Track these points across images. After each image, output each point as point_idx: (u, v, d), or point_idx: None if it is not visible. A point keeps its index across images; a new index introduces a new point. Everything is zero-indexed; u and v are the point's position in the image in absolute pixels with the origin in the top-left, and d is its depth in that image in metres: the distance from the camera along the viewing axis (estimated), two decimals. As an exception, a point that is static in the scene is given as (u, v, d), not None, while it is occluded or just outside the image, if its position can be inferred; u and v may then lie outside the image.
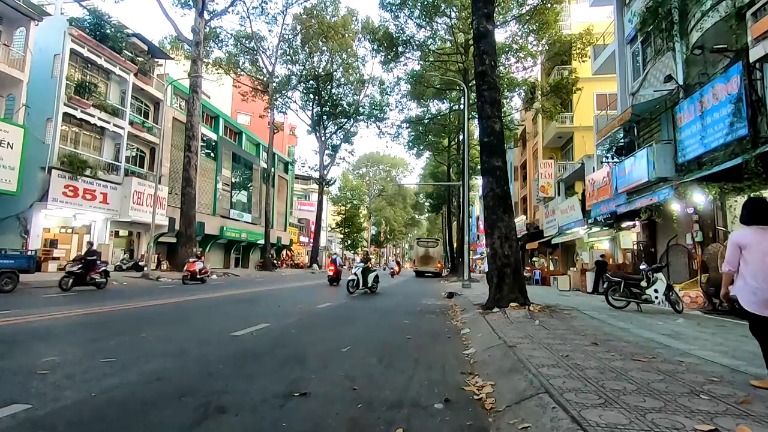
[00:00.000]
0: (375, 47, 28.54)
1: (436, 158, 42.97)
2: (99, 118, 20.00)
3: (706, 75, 10.86)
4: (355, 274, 13.46)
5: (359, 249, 67.64)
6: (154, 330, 5.96)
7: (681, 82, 11.54)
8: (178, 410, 2.90)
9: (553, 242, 23.17)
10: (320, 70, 35.54)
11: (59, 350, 4.48)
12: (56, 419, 2.69)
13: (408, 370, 4.18)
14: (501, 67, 23.91)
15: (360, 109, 37.22)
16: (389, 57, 27.80)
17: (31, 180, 17.01)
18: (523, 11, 23.68)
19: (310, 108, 37.04)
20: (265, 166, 34.81)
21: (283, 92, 33.70)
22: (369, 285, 13.68)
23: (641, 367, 3.79)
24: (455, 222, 42.06)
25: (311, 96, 36.68)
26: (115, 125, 20.97)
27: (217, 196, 30.99)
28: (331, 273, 17.23)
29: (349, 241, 60.94)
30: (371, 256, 15.14)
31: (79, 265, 11.66)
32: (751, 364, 4.11)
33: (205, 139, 28.90)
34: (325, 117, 36.86)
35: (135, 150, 23.89)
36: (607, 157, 15.90)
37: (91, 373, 3.70)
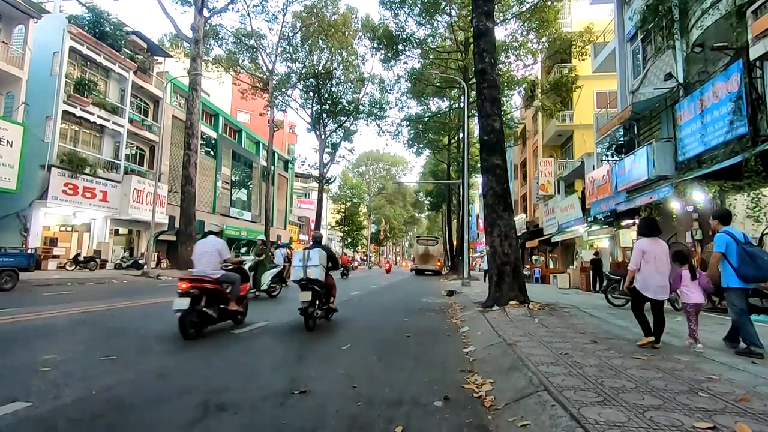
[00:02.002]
0: (375, 45, 28.48)
1: (435, 156, 42.92)
2: (98, 116, 19.97)
3: (707, 73, 10.84)
4: None
5: (358, 246, 67.62)
6: (154, 328, 5.97)
7: (681, 80, 11.52)
8: (177, 408, 2.91)
9: (552, 240, 23.18)
10: (320, 68, 35.42)
11: (59, 348, 4.49)
12: (57, 417, 2.70)
13: (408, 368, 4.19)
14: (501, 65, 23.86)
15: (360, 107, 37.11)
16: (389, 55, 27.73)
17: (31, 178, 17.00)
18: (523, 9, 23.61)
19: (310, 106, 36.95)
20: (265, 164, 34.74)
21: (283, 90, 33.56)
22: (264, 287, 10.28)
23: (640, 365, 3.80)
24: (455, 220, 42.01)
25: (311, 94, 36.58)
26: (114, 123, 20.94)
27: (217, 195, 30.97)
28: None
29: (349, 240, 60.96)
30: (266, 248, 11.90)
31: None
32: (748, 360, 4.13)
33: (204, 137, 28.86)
34: (324, 115, 36.77)
35: (135, 148, 23.86)
36: (607, 156, 15.90)
37: (91, 371, 3.71)
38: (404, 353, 4.92)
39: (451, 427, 2.75)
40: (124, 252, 23.08)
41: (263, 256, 11.22)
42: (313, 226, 42.66)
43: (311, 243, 7.07)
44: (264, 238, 13.59)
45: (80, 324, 6.30)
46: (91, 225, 20.89)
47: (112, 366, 3.89)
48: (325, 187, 40.19)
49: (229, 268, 6.16)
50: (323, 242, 7.07)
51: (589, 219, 17.44)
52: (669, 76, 11.62)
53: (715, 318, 7.92)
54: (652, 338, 4.75)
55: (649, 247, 4.79)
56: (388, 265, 41.02)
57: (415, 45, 27.33)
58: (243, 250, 30.49)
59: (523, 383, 3.28)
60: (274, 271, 10.88)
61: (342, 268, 11.78)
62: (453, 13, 25.90)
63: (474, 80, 12.29)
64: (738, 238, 4.59)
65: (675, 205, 11.38)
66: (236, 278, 6.06)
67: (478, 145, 13.51)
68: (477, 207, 47.18)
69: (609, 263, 15.80)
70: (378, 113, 36.38)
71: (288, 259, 12.38)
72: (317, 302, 6.26)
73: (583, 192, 18.63)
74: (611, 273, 10.51)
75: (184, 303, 5.25)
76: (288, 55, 34.85)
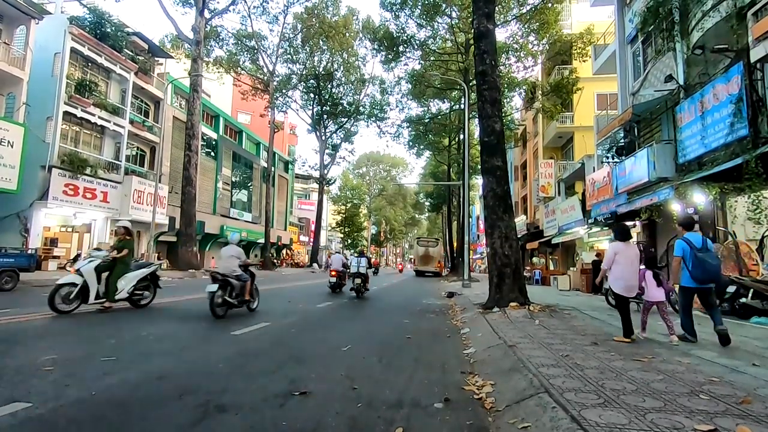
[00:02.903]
0: (375, 47, 28.49)
1: (436, 158, 42.94)
2: (99, 117, 19.98)
3: (707, 75, 10.85)
4: (78, 272, 7.11)
5: (358, 248, 67.52)
6: (154, 329, 5.96)
7: (681, 82, 11.53)
8: (178, 409, 2.90)
9: (553, 242, 23.17)
10: (321, 70, 35.51)
11: (59, 349, 4.49)
12: (56, 418, 2.69)
13: (408, 370, 4.19)
14: (501, 67, 23.87)
15: (360, 108, 37.17)
16: (390, 56, 27.77)
17: (32, 179, 17.01)
18: (524, 11, 23.64)
19: (311, 107, 37.02)
20: (266, 165, 34.79)
21: (284, 91, 33.66)
22: (122, 295, 7.56)
23: (641, 367, 3.80)
24: (455, 221, 42.02)
25: (312, 95, 36.66)
26: (115, 124, 20.96)
27: (218, 195, 30.98)
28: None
29: (350, 241, 60.95)
30: (128, 238, 8.22)
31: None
32: (748, 363, 4.12)
33: (205, 138, 28.88)
34: (325, 116, 36.84)
35: (135, 149, 23.87)
36: (608, 157, 15.89)
37: (92, 371, 3.71)
38: (405, 354, 4.91)
39: (451, 428, 2.75)
40: (125, 253, 23.01)
41: (125, 252, 7.70)
42: (313, 227, 42.70)
43: (358, 254, 13.16)
44: (127, 226, 8.43)
45: (80, 325, 6.30)
46: (92, 226, 20.89)
47: (112, 366, 3.89)
48: (325, 188, 40.24)
49: (342, 265, 13.54)
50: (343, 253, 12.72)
51: (590, 221, 17.43)
52: (669, 78, 11.63)
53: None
54: (629, 340, 5.19)
55: (621, 250, 5.34)
56: (401, 266, 53.21)
57: (416, 47, 27.36)
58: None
59: (524, 385, 3.28)
60: (143, 272, 8.06)
61: (373, 268, 20.65)
62: (453, 14, 25.94)
63: (474, 82, 12.30)
64: (694, 245, 5.17)
65: (675, 207, 11.38)
66: (345, 271, 13.47)
67: (478, 147, 13.51)
68: (477, 208, 47.21)
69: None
70: (378, 114, 36.45)
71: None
72: (362, 284, 12.18)
73: (583, 194, 18.64)
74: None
75: (333, 280, 13.21)
76: (289, 56, 34.96)
